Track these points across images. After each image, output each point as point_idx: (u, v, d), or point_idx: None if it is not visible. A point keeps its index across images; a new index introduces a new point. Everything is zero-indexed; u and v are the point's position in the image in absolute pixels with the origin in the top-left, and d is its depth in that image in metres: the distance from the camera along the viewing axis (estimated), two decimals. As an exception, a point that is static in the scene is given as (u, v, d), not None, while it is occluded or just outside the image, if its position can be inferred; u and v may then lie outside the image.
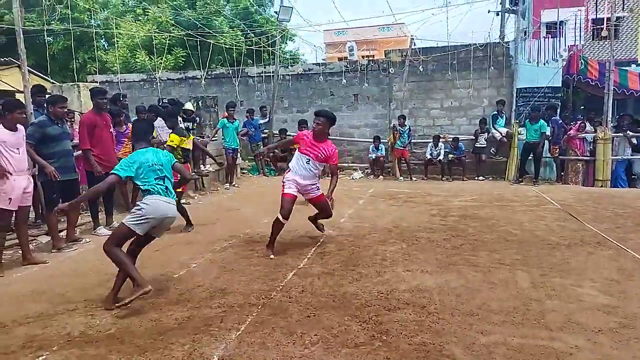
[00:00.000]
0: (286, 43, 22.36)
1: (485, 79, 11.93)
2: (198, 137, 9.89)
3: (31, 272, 4.75)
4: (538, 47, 11.18)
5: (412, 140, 11.81)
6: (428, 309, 3.59)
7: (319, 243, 5.56)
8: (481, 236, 5.75)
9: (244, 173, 11.75)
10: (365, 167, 12.39)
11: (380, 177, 11.75)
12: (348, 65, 13.14)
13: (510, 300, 3.76)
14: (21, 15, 7.03)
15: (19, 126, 4.86)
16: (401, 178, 11.47)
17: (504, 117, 11.48)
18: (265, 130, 12.58)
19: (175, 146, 6.18)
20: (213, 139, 10.63)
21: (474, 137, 11.47)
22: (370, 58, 17.32)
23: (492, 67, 11.79)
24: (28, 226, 5.89)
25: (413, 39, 13.00)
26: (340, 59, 18.97)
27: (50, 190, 5.45)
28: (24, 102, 6.37)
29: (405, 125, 11.54)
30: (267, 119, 12.83)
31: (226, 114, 10.77)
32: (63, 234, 5.76)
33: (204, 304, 3.79)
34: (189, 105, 10.02)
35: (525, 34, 12.27)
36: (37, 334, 3.28)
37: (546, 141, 10.34)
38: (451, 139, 11.47)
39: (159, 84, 13.88)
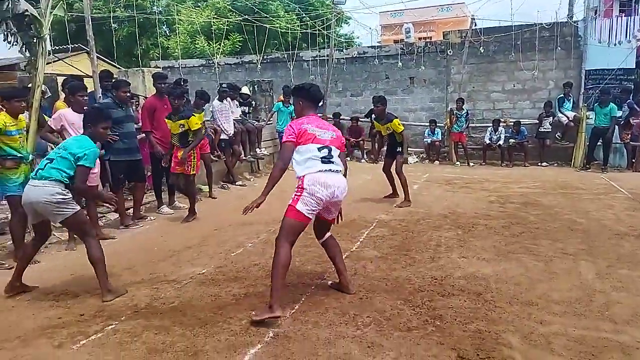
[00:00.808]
0: (341, 26, 22.16)
1: (551, 60, 11.28)
2: (254, 121, 10.11)
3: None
4: (610, 26, 10.40)
5: (471, 125, 11.43)
6: (484, 297, 3.51)
7: (371, 227, 5.55)
8: (543, 224, 5.51)
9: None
10: (420, 151, 12.16)
11: (436, 162, 11.50)
12: (404, 48, 12.85)
13: (572, 290, 3.60)
14: (90, 3, 7.41)
15: (86, 109, 5.15)
16: (458, 163, 11.18)
17: (571, 100, 10.84)
18: (319, 114, 12.61)
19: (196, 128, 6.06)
20: (268, 122, 10.81)
21: (537, 121, 10.93)
22: (428, 40, 16.84)
23: (559, 48, 11.11)
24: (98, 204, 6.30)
25: (474, 19, 12.45)
26: (396, 42, 18.54)
27: (116, 170, 5.78)
28: (93, 86, 6.78)
29: (463, 109, 11.19)
30: (320, 103, 12.84)
31: (281, 98, 10.90)
32: (130, 211, 6.10)
33: (259, 282, 3.91)
34: (245, 90, 10.23)
35: (595, 13, 11.43)
36: (107, 304, 3.52)
37: (616, 126, 9.68)
38: (512, 123, 11.00)
39: (217, 68, 14.21)
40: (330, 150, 3.41)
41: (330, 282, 3.82)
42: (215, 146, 8.09)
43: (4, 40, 5.77)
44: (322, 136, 3.43)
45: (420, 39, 21.46)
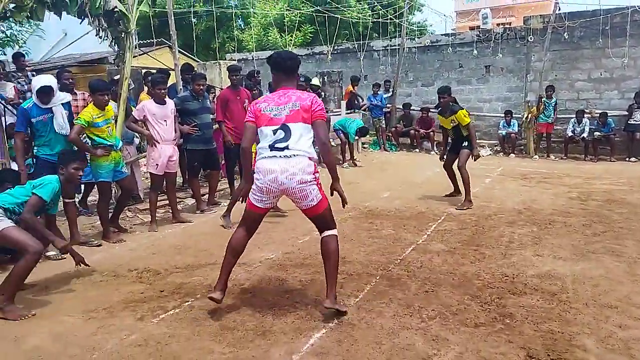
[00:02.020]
0: (413, 14, 21.64)
1: (645, 46, 10.33)
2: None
3: (179, 229, 5.42)
4: None
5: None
6: (559, 297, 3.35)
7: (439, 220, 5.45)
8: (629, 224, 5.12)
9: (364, 148, 11.85)
10: (494, 143, 11.65)
11: (511, 154, 10.97)
12: (480, 35, 12.33)
13: (660, 296, 3.33)
14: (172, -1, 7.82)
15: (168, 100, 5.48)
16: (536, 156, 10.58)
17: (667, 89, 9.86)
18: (388, 105, 12.47)
19: None
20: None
21: (627, 113, 10.06)
22: (507, 26, 16.00)
23: (655, 32, 10.14)
24: (177, 190, 6.71)
25: (557, 2, 11.66)
26: (472, 28, 17.83)
27: (192, 158, 6.10)
28: (174, 79, 7.19)
29: (552, 98, 10.49)
30: (390, 93, 12.69)
31: (350, 88, 10.90)
32: (205, 197, 6.43)
33: (325, 269, 3.99)
34: (315, 81, 10.33)
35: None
36: (185, 282, 3.77)
37: None
38: (598, 115, 10.21)
39: (288, 60, 14.44)
40: (286, 130, 3.00)
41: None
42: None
43: (96, 35, 6.27)
44: (278, 115, 3.02)
45: (498, 25, 20.45)
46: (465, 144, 6.13)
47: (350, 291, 3.51)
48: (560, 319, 3.02)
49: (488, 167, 9.11)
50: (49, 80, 4.58)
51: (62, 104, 4.61)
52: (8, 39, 9.30)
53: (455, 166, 6.26)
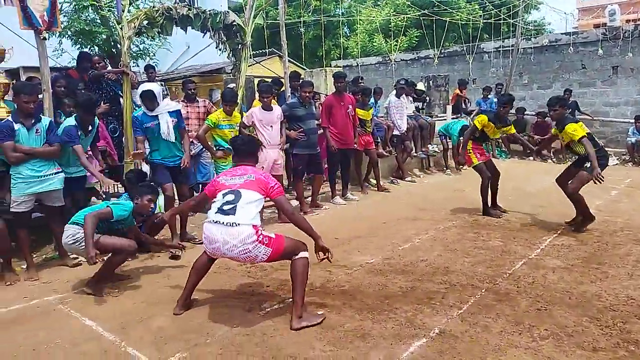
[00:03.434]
0: (530, 12, 20.30)
1: None
2: (427, 117, 9.98)
3: (283, 229, 5.57)
4: None
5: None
6: (699, 327, 2.92)
7: (555, 235, 5.04)
8: None
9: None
10: (621, 152, 10.48)
11: (642, 165, 9.78)
12: (607, 33, 11.19)
13: None
14: (284, 10, 8.23)
15: (275, 106, 5.77)
16: (673, 168, 9.33)
17: None
18: (498, 110, 11.82)
19: (479, 127, 5.84)
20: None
21: None
22: (638, 22, 14.33)
23: None
24: (282, 191, 7.00)
25: None
26: (596, 26, 16.26)
27: (297, 162, 6.34)
28: (283, 86, 7.53)
29: None
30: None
31: (457, 92, 10.53)
32: (308, 200, 6.64)
33: (426, 277, 3.91)
34: (420, 86, 10.15)
35: None
36: (287, 279, 3.83)
37: None
38: None
39: (392, 65, 14.40)
40: (236, 194, 3.05)
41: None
42: (387, 141, 8.25)
43: (216, 48, 6.82)
44: (233, 183, 3.14)
45: (628, 21, 18.38)
46: (588, 165, 4.89)
47: (453, 302, 3.41)
48: (702, 353, 2.64)
49: (615, 178, 8.21)
50: (151, 86, 4.85)
51: (169, 112, 4.77)
52: (141, 52, 10.44)
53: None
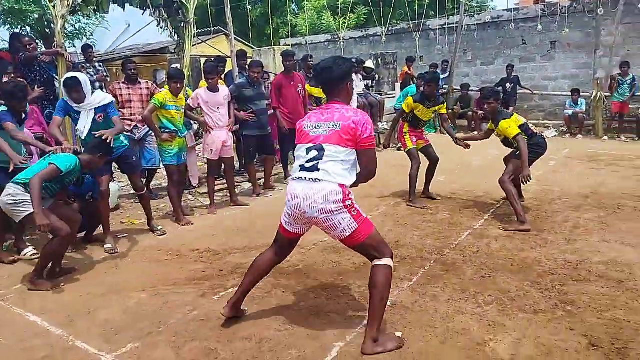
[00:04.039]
0: (473, -10, 20.74)
1: None
2: (377, 95, 10.09)
3: (237, 212, 5.61)
4: None
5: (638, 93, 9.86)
6: (626, 285, 3.18)
7: (498, 205, 5.28)
8: None
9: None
10: (559, 124, 11.05)
11: (579, 136, 10.35)
12: (545, 9, 11.64)
13: None
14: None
15: (221, 87, 5.61)
16: (605, 137, 9.92)
17: None
18: (445, 86, 12.12)
19: (407, 110, 5.64)
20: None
21: None
22: (574, -2, 14.99)
23: None
24: (234, 174, 6.91)
25: (633, -30, 10.76)
26: (536, 2, 16.83)
27: (248, 144, 6.26)
28: (230, 65, 7.36)
29: (629, 74, 9.73)
30: (447, 74, 12.32)
31: (405, 70, 10.68)
32: (261, 182, 6.59)
33: (379, 253, 3.99)
34: (369, 64, 10.21)
35: None
36: (242, 262, 3.91)
37: None
38: (678, 91, 9.38)
39: (342, 43, 14.37)
40: (320, 151, 2.62)
41: None
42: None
43: (157, 26, 6.55)
44: (315, 133, 2.67)
45: (565, -2, 19.12)
46: (518, 153, 4.76)
47: (403, 274, 3.51)
48: (627, 308, 2.88)
49: (553, 149, 8.62)
50: (75, 74, 4.25)
51: (96, 108, 4.26)
52: (77, 31, 9.89)
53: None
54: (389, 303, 3.00)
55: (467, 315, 2.89)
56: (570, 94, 10.58)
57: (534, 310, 2.92)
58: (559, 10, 11.28)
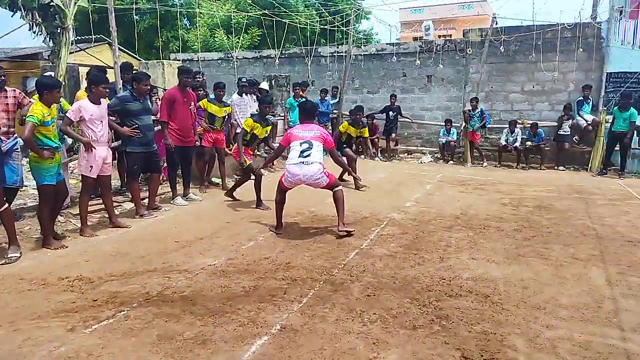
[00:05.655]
0: (360, 22, 22.08)
1: (572, 62, 11.11)
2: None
3: (116, 234, 5.20)
4: (635, 28, 10.19)
5: (488, 125, 11.27)
6: (492, 299, 3.52)
7: (382, 225, 5.57)
8: (556, 229, 5.47)
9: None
10: (434, 151, 12.11)
11: (451, 162, 11.43)
12: (423, 45, 12.79)
13: (581, 296, 3.59)
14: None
15: (102, 100, 5.23)
16: (468, 164, 11.06)
17: (590, 103, 10.64)
18: (334, 111, 12.63)
19: (248, 130, 6.41)
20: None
21: (557, 124, 10.75)
22: (447, 38, 16.70)
23: (581, 49, 10.94)
24: (115, 193, 6.42)
25: (495, 17, 12.31)
26: (415, 39, 18.44)
27: (132, 161, 5.88)
28: (114, 77, 6.90)
29: (477, 108, 11.03)
30: (337, 100, 12.87)
31: (297, 92, 10.92)
32: (145, 201, 6.21)
33: (269, 275, 3.97)
34: (264, 85, 10.28)
35: (620, 14, 11.19)
36: (120, 290, 3.61)
37: (635, 132, 9.51)
38: (530, 125, 10.86)
39: (235, 62, 14.30)
40: (310, 144, 4.99)
41: None
42: (231, 140, 8.18)
43: (29, 30, 5.92)
44: (303, 135, 5.06)
45: (439, 36, 21.26)
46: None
47: (294, 297, 3.52)
48: (493, 320, 3.18)
49: (429, 174, 9.45)
50: None
51: None
52: None
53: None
54: (278, 327, 3.02)
55: (354, 335, 2.96)
56: (444, 123, 11.67)
57: (414, 326, 3.09)
58: (435, 48, 12.46)
